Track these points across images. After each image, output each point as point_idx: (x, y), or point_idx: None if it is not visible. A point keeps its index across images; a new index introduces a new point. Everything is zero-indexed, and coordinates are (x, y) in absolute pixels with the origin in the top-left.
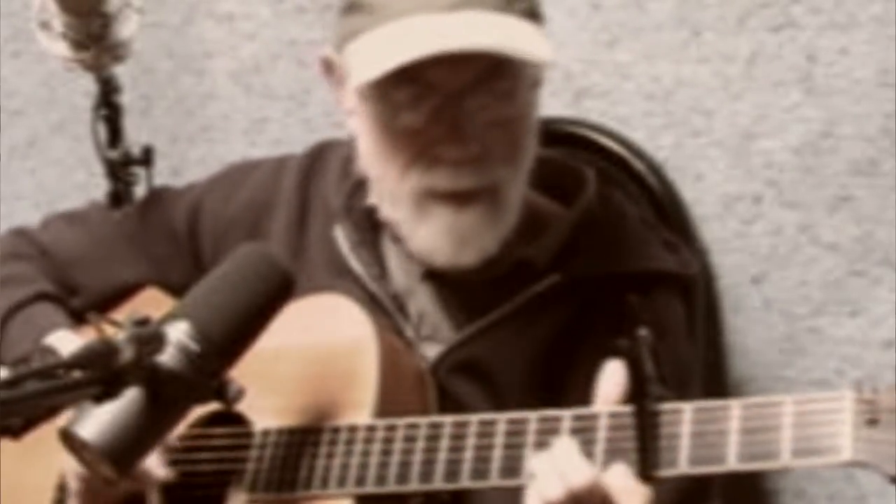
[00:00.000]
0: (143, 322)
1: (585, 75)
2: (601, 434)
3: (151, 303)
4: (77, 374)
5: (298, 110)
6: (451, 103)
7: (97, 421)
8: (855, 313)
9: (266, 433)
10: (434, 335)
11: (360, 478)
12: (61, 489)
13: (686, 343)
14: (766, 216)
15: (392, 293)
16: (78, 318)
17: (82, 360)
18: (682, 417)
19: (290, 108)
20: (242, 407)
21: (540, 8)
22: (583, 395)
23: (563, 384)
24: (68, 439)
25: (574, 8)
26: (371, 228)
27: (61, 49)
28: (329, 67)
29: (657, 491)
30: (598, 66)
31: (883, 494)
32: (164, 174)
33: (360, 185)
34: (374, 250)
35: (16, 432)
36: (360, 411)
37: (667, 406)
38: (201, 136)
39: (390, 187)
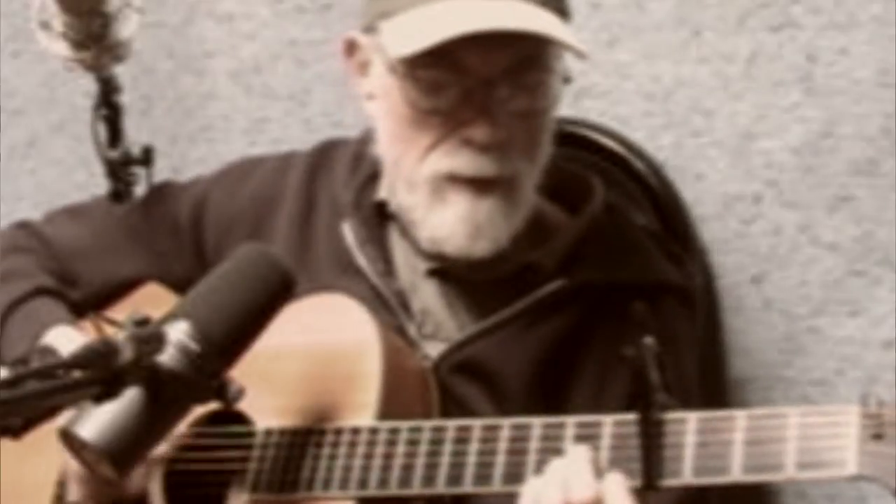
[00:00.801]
0: (143, 322)
1: (585, 75)
2: (605, 442)
3: (152, 298)
4: (77, 374)
5: (298, 110)
6: (482, 89)
7: (97, 421)
8: (855, 313)
9: (269, 433)
10: (437, 333)
11: (362, 480)
12: (62, 485)
13: (690, 355)
14: (766, 216)
15: (396, 290)
16: (78, 312)
17: (82, 360)
18: (687, 427)
19: (290, 108)
20: (245, 406)
21: (569, 9)
22: (584, 400)
23: (564, 389)
24: (68, 439)
25: (574, 8)
26: (379, 224)
27: (61, 49)
28: (352, 49)
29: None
30: (598, 66)
31: (882, 495)
32: (164, 174)
33: (370, 181)
34: (381, 246)
35: (16, 432)
36: (363, 413)
37: (671, 415)
38: (201, 136)
39: (408, 170)
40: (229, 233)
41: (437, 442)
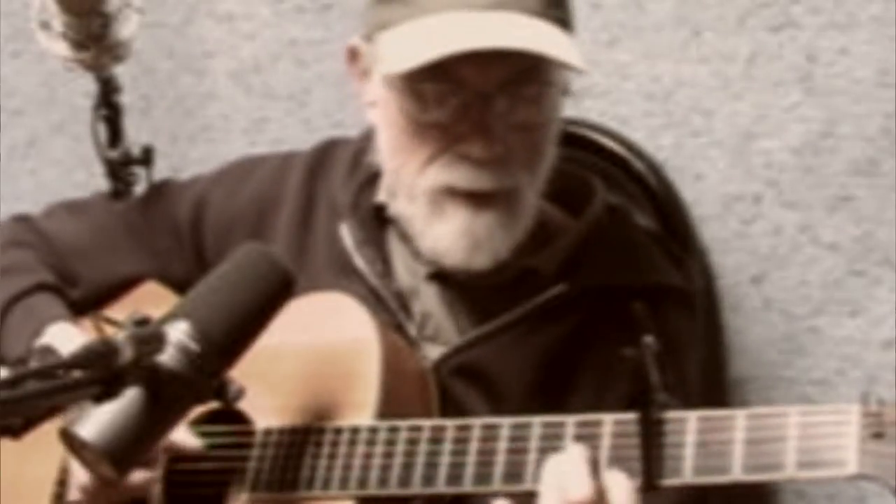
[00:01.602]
0: (142, 322)
1: (585, 75)
2: (605, 441)
3: (151, 297)
4: (77, 374)
5: (298, 110)
6: (479, 102)
7: (97, 421)
8: (855, 313)
9: (268, 432)
10: (436, 336)
11: (362, 479)
12: (61, 483)
13: (691, 358)
14: (766, 216)
15: (396, 291)
16: (77, 311)
17: (82, 360)
18: (687, 426)
19: (290, 108)
20: (244, 405)
21: (572, 19)
22: (584, 405)
23: (564, 394)
24: (68, 439)
25: (574, 8)
26: (377, 226)
27: (61, 49)
28: (354, 56)
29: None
30: (598, 66)
31: (882, 495)
32: (164, 174)
33: (368, 183)
34: (379, 248)
35: (16, 432)
36: (362, 412)
37: (671, 415)
38: (201, 136)
39: (408, 182)
40: (229, 233)
41: (436, 441)
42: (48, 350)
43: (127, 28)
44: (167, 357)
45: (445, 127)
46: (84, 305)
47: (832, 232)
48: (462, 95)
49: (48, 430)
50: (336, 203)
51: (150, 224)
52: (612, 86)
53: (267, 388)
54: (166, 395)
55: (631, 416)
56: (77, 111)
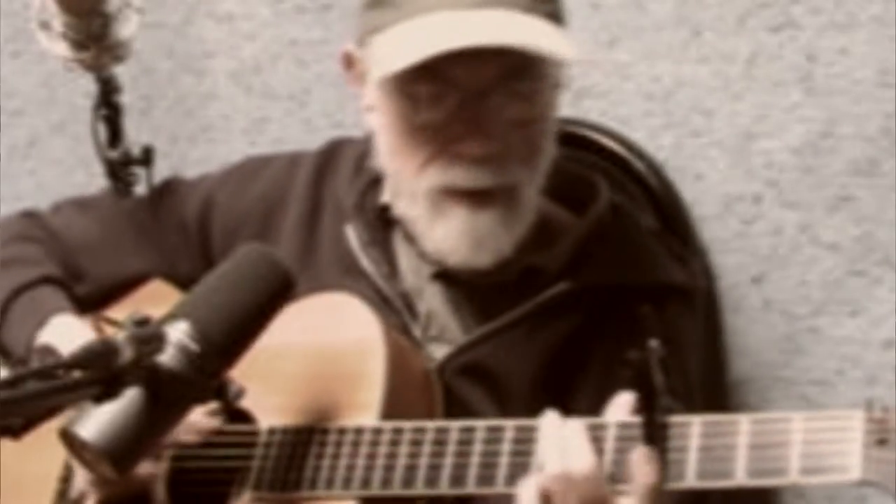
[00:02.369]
0: (143, 322)
1: (585, 75)
2: (609, 445)
3: (157, 295)
4: (77, 374)
5: (298, 110)
6: (473, 101)
7: (97, 421)
8: (855, 313)
9: (272, 432)
10: (441, 336)
11: (365, 480)
12: (65, 479)
13: (694, 357)
14: (766, 216)
15: (401, 292)
16: (82, 307)
17: (82, 360)
18: (691, 431)
19: (290, 108)
20: (248, 405)
21: (563, 12)
22: (589, 403)
23: (569, 392)
24: (68, 439)
25: (574, 8)
26: (382, 227)
27: (61, 49)
28: (350, 62)
29: None
30: (598, 66)
31: (882, 495)
32: (164, 174)
33: (373, 184)
34: (384, 249)
35: (16, 432)
36: (366, 413)
37: (675, 419)
38: (201, 136)
39: (408, 184)
40: (236, 233)
41: (440, 442)
42: (48, 350)
43: (127, 28)
44: (167, 357)
45: (441, 127)
46: (90, 302)
47: (832, 232)
48: (456, 95)
49: (52, 427)
50: (342, 204)
51: (157, 222)
52: (612, 86)
53: (271, 388)
54: (166, 395)
55: (635, 420)
56: (77, 111)
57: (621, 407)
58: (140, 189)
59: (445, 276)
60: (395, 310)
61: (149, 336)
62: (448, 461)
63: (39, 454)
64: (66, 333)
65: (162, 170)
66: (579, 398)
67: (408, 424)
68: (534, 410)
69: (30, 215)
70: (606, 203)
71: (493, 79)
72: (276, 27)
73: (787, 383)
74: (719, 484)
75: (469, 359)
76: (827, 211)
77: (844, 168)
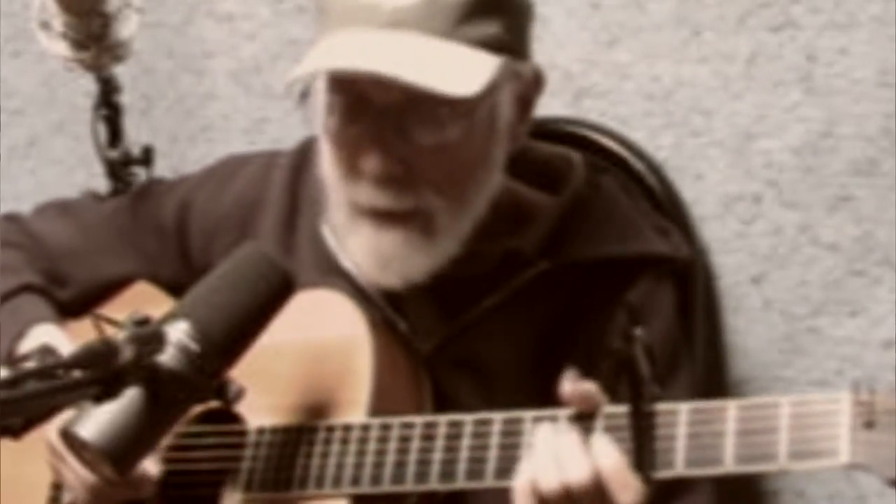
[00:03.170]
0: (143, 322)
1: (585, 75)
2: (594, 437)
3: (143, 297)
4: (77, 374)
5: (298, 110)
6: (384, 120)
7: (97, 421)
8: (855, 313)
9: (261, 431)
10: (426, 330)
11: (355, 477)
12: (57, 487)
13: (675, 325)
14: (766, 216)
15: (383, 289)
16: (67, 312)
17: (82, 360)
18: (679, 419)
19: (290, 108)
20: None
21: (514, 34)
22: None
23: (556, 373)
24: (68, 439)
25: (574, 8)
26: None
27: (61, 49)
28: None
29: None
30: (598, 66)
31: (882, 494)
32: (164, 174)
33: None
34: None
35: (16, 432)
36: (354, 410)
37: (663, 407)
38: (201, 136)
39: (334, 196)
40: (215, 235)
41: (428, 437)
42: (48, 350)
43: (127, 28)
44: (167, 357)
45: (353, 142)
46: (74, 306)
47: (832, 232)
48: (370, 112)
49: (45, 434)
50: (318, 202)
51: (137, 226)
52: (612, 86)
53: (259, 387)
54: (166, 395)
55: (622, 409)
56: (77, 111)
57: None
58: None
59: None
60: (378, 306)
61: (149, 336)
62: (437, 456)
63: (32, 461)
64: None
65: (162, 170)
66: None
67: (396, 420)
68: (523, 394)
69: (11, 220)
70: (582, 180)
71: (401, 100)
72: (276, 27)
73: (787, 383)
74: (708, 471)
75: (455, 350)
76: (827, 211)
77: (844, 168)
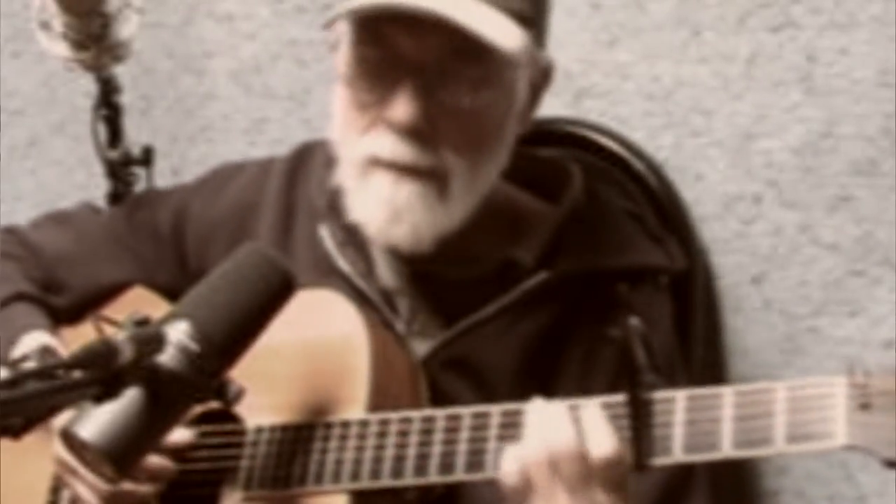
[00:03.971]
0: (143, 322)
1: (585, 75)
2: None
3: (139, 302)
4: (77, 374)
5: (298, 110)
6: (414, 74)
7: (97, 421)
8: (855, 313)
9: (259, 430)
10: (424, 332)
11: (354, 473)
12: (55, 491)
13: (672, 336)
14: (766, 216)
15: (380, 290)
16: (64, 318)
17: (82, 360)
18: (676, 406)
19: (290, 108)
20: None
21: (538, 18)
22: (571, 390)
23: (551, 380)
24: (68, 439)
25: (574, 8)
26: (357, 227)
27: (61, 49)
28: (335, 46)
29: (641, 485)
30: (598, 66)
31: (882, 494)
32: (164, 174)
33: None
34: (360, 248)
35: (16, 432)
36: (353, 407)
37: (660, 394)
38: (201, 136)
39: (346, 152)
40: (210, 241)
41: (427, 431)
42: (48, 350)
43: (127, 28)
44: (167, 357)
45: (380, 97)
46: (71, 312)
47: (832, 232)
48: (400, 68)
49: (42, 439)
50: (314, 206)
51: (133, 233)
52: (612, 86)
53: (257, 387)
54: (166, 395)
55: (619, 397)
56: (77, 111)
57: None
58: (140, 189)
59: (423, 274)
60: (375, 308)
61: (149, 336)
62: (436, 449)
63: (31, 465)
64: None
65: (162, 170)
66: (562, 386)
67: (394, 415)
68: (518, 401)
69: (8, 232)
70: (580, 188)
71: (434, 53)
72: (276, 27)
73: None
74: (706, 457)
75: (452, 353)
76: (827, 211)
77: (844, 168)
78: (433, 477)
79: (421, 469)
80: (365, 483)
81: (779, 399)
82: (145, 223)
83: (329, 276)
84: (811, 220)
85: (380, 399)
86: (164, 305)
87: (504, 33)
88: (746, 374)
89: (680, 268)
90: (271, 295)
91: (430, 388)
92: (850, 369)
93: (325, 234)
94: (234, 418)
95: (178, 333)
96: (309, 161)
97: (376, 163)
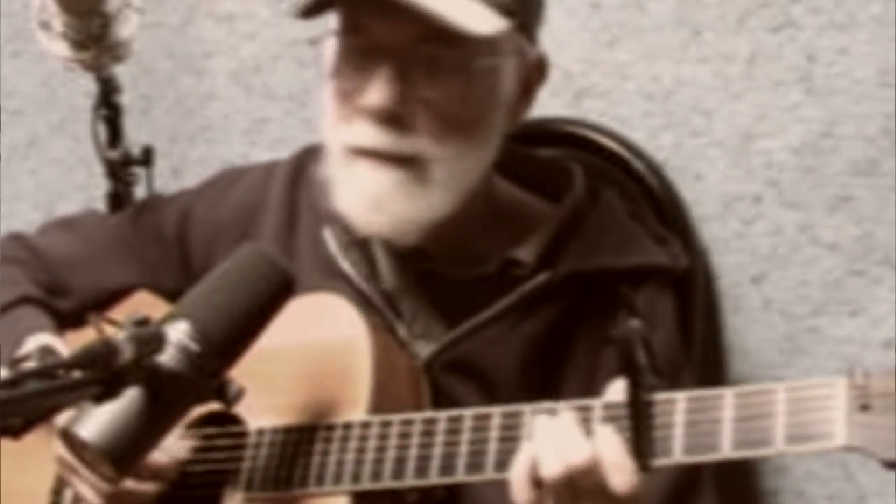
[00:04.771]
0: (143, 322)
1: (585, 75)
2: (595, 426)
3: (143, 305)
4: (77, 374)
5: (298, 110)
6: (390, 61)
7: (97, 421)
8: (855, 313)
9: (261, 432)
10: (426, 334)
11: (355, 474)
12: (57, 493)
13: (676, 336)
14: (766, 216)
15: (383, 292)
16: (69, 322)
17: (82, 360)
18: (676, 407)
19: (290, 108)
20: (237, 406)
21: (523, 10)
22: (575, 391)
23: (555, 381)
24: (68, 439)
25: (574, 8)
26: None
27: (61, 49)
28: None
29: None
30: (598, 66)
31: (883, 494)
32: (164, 174)
33: None
34: (363, 250)
35: (16, 432)
36: (354, 409)
37: (660, 396)
38: (201, 136)
39: (331, 144)
40: (215, 244)
41: (428, 433)
42: (48, 350)
43: (127, 28)
44: (167, 357)
45: (359, 86)
46: (75, 316)
47: (832, 232)
48: (379, 58)
49: (44, 440)
50: (318, 208)
51: (138, 238)
52: (612, 86)
53: (259, 389)
54: (166, 395)
55: (620, 399)
56: (77, 111)
57: (617, 393)
58: (140, 189)
59: (427, 274)
60: (378, 310)
61: (149, 336)
62: (437, 451)
63: (32, 467)
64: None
65: (162, 170)
66: (566, 387)
67: (395, 417)
68: (521, 402)
69: (15, 237)
70: (582, 189)
71: (408, 38)
72: (276, 27)
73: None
74: (706, 458)
75: (455, 355)
76: (827, 211)
77: (844, 168)
78: (434, 478)
79: (422, 471)
80: (366, 484)
81: (779, 400)
82: (150, 227)
83: (332, 278)
84: (811, 220)
85: (381, 402)
86: (168, 309)
87: (476, 20)
88: (746, 374)
89: (683, 268)
90: (271, 295)
91: (433, 391)
92: (850, 370)
93: (329, 237)
94: (237, 420)
95: (178, 333)
96: (312, 163)
97: (357, 152)
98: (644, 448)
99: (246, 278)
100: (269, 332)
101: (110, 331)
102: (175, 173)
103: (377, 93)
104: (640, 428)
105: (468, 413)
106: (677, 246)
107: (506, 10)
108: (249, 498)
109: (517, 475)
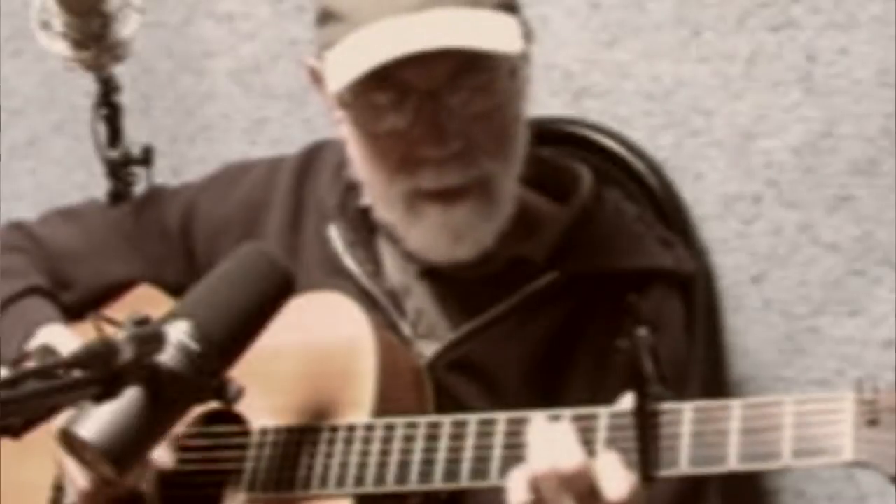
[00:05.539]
0: (143, 322)
1: (585, 75)
2: (601, 435)
3: (145, 300)
4: (77, 373)
5: (298, 110)
6: (430, 102)
7: (97, 421)
8: (855, 313)
9: (264, 432)
10: (431, 333)
11: (359, 477)
12: (58, 488)
13: (683, 340)
14: (766, 216)
15: (388, 291)
16: (69, 314)
17: (82, 359)
18: (683, 417)
19: (290, 108)
20: (240, 406)
21: (516, 6)
22: (580, 393)
23: (560, 382)
24: (68, 439)
25: (574, 8)
26: (366, 227)
27: (61, 49)
28: (316, 76)
29: (654, 492)
30: (598, 66)
31: (883, 494)
32: (164, 174)
33: (354, 185)
34: (369, 249)
35: (16, 432)
36: (358, 410)
37: (667, 406)
38: (201, 136)
39: (381, 191)
40: (219, 238)
41: (432, 437)
42: (48, 350)
43: (127, 28)
44: (167, 357)
45: (403, 133)
46: (78, 309)
47: (832, 232)
48: (413, 99)
49: (45, 436)
50: (324, 205)
51: (141, 231)
52: (612, 86)
53: (263, 389)
54: (166, 394)
55: (626, 408)
56: (77, 111)
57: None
58: (140, 189)
59: (432, 272)
60: (382, 309)
61: (149, 336)
62: (441, 456)
63: (34, 461)
64: (56, 343)
65: (162, 170)
66: (571, 388)
67: (400, 420)
68: (526, 403)
69: (17, 226)
70: (590, 191)
71: (444, 78)
72: (276, 27)
73: (788, 383)
74: (712, 470)
75: (459, 354)
76: (827, 211)
77: (844, 168)
78: (437, 484)
79: (426, 475)
80: (369, 488)
81: (786, 413)
82: (154, 221)
83: (336, 275)
84: (811, 220)
85: (385, 403)
86: (170, 304)
87: (505, 37)
88: (746, 374)
89: (688, 271)
90: (272, 295)
91: (437, 391)
92: (858, 386)
93: (334, 234)
94: (239, 420)
95: (178, 333)
96: (319, 160)
97: (422, 195)
98: (650, 458)
99: (246, 278)
100: (273, 330)
101: (110, 330)
102: (175, 173)
103: (436, 141)
104: (645, 438)
105: (473, 418)
106: (683, 249)
107: (512, 8)
108: (252, 498)
109: (511, 477)
